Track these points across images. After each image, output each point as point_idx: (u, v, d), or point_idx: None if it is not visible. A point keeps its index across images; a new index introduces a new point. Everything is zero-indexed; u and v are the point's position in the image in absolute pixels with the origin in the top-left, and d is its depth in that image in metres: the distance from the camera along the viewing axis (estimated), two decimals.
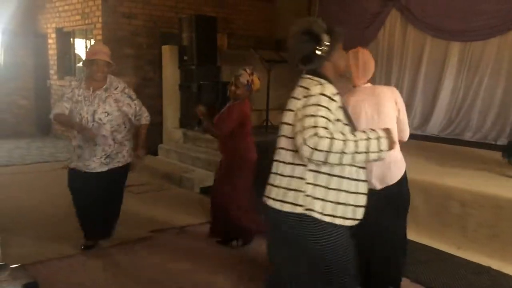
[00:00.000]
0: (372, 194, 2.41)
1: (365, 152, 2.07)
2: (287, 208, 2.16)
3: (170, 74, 8.16)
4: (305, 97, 2.10)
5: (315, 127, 1.99)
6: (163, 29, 8.73)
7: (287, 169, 2.18)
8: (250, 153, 4.17)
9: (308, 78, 2.19)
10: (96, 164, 3.87)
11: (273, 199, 2.21)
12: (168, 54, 8.16)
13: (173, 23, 8.46)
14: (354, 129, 2.23)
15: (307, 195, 2.12)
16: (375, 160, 2.17)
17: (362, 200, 2.23)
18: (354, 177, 2.19)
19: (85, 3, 8.59)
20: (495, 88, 6.79)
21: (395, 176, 2.97)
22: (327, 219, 2.14)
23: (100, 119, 3.78)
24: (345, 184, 2.16)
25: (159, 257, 4.00)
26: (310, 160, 2.02)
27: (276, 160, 2.26)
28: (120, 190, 4.15)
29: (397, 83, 7.75)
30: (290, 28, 2.23)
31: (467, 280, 3.65)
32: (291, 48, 2.23)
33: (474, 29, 6.75)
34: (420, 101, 7.60)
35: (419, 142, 6.25)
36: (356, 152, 2.04)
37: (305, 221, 2.15)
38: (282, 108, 2.24)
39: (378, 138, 2.11)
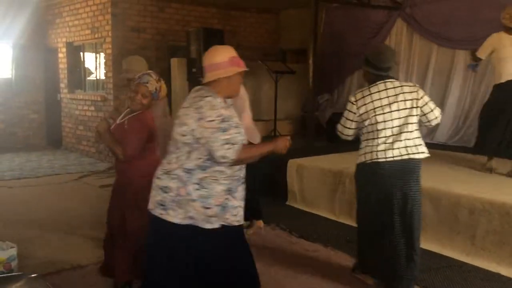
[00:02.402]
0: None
1: None
2: (422, 156, 3.30)
3: (179, 86, 8.26)
4: (418, 90, 3.33)
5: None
6: (171, 42, 8.87)
7: (414, 133, 3.31)
8: None
9: (396, 81, 3.37)
10: (242, 212, 2.67)
11: (413, 153, 3.28)
12: (177, 67, 8.27)
13: (181, 36, 8.58)
14: None
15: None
16: None
17: None
18: None
19: (94, 17, 8.76)
20: None
21: (255, 138, 4.31)
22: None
23: None
24: None
25: None
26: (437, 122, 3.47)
27: (402, 132, 3.29)
28: None
29: None
30: (385, 49, 3.59)
31: (476, 287, 3.67)
32: (388, 61, 3.32)
33: (480, 37, 6.77)
34: None
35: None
36: None
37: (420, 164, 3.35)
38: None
39: None
